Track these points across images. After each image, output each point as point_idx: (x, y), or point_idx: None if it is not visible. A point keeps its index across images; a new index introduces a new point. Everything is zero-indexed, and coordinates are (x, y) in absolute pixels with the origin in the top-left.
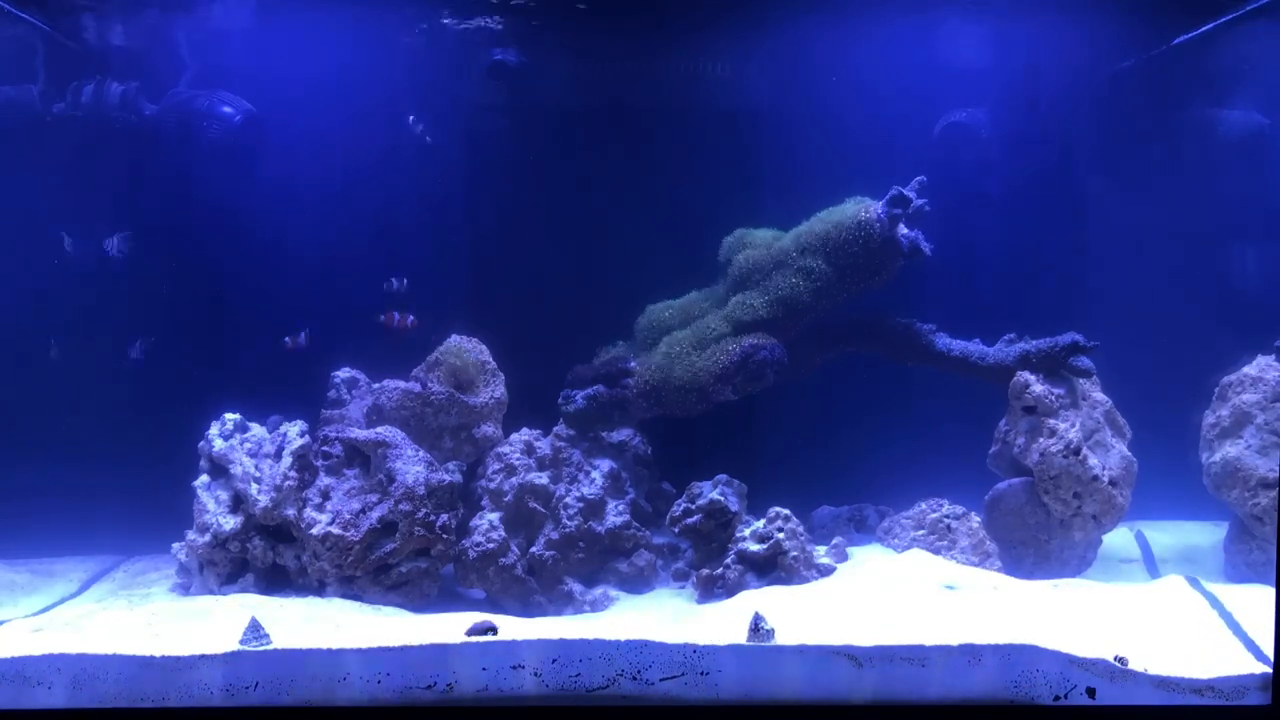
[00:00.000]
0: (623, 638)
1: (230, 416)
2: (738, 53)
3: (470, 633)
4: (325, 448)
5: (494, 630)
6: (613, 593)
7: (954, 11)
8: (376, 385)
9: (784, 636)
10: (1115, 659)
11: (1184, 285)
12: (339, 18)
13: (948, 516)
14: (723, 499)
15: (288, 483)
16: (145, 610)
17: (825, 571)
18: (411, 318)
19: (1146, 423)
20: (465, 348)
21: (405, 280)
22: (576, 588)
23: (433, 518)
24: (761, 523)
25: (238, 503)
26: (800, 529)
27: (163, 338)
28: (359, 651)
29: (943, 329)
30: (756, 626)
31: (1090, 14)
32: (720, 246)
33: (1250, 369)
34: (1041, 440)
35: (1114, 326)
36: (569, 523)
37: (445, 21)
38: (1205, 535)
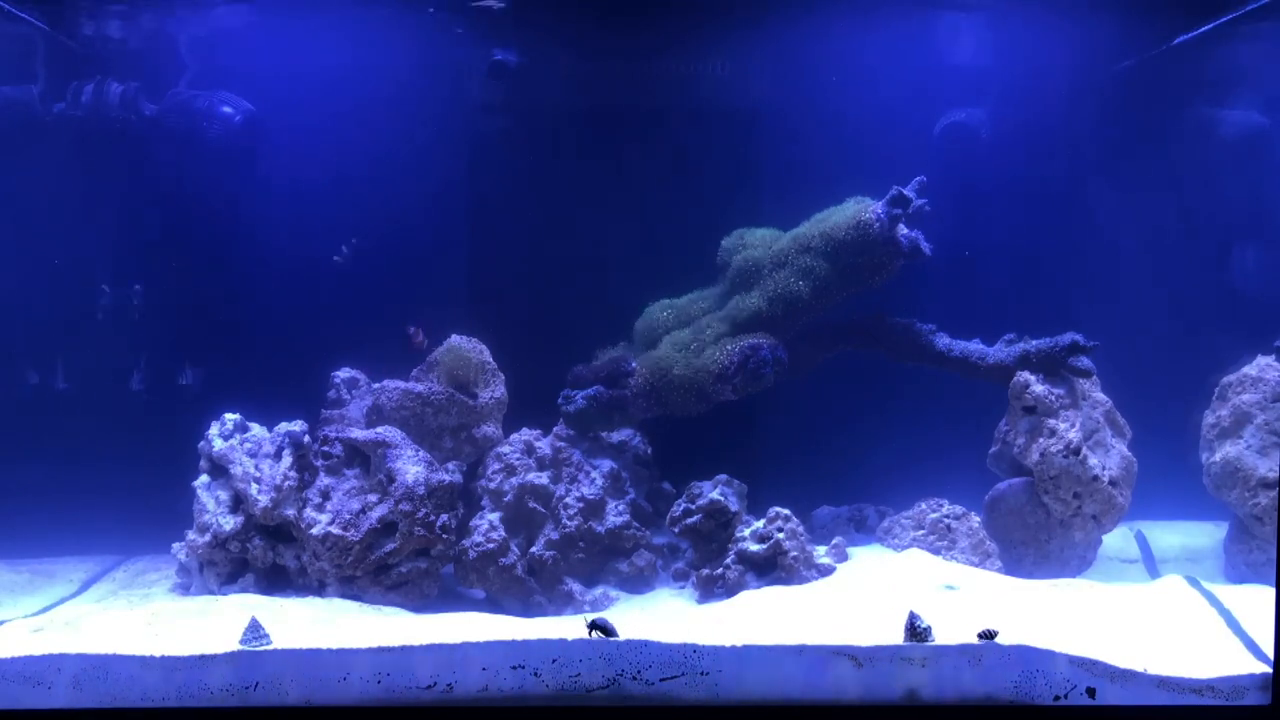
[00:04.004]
0: (623, 638)
1: (230, 416)
2: (738, 52)
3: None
4: (325, 448)
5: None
6: (613, 593)
7: (954, 11)
8: (376, 385)
9: (784, 636)
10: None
11: (1184, 285)
12: (338, 17)
13: (947, 516)
14: (723, 499)
15: (288, 483)
16: (145, 610)
17: (825, 572)
18: (421, 336)
19: (1146, 423)
20: (465, 348)
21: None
22: (576, 588)
23: (433, 518)
24: (761, 523)
25: (238, 503)
26: (800, 529)
27: (162, 338)
28: (359, 651)
29: (943, 329)
30: (913, 626)
31: (1090, 14)
32: (719, 247)
33: (1250, 369)
34: (1041, 440)
35: (1114, 326)
36: (569, 523)
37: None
38: (1205, 535)
